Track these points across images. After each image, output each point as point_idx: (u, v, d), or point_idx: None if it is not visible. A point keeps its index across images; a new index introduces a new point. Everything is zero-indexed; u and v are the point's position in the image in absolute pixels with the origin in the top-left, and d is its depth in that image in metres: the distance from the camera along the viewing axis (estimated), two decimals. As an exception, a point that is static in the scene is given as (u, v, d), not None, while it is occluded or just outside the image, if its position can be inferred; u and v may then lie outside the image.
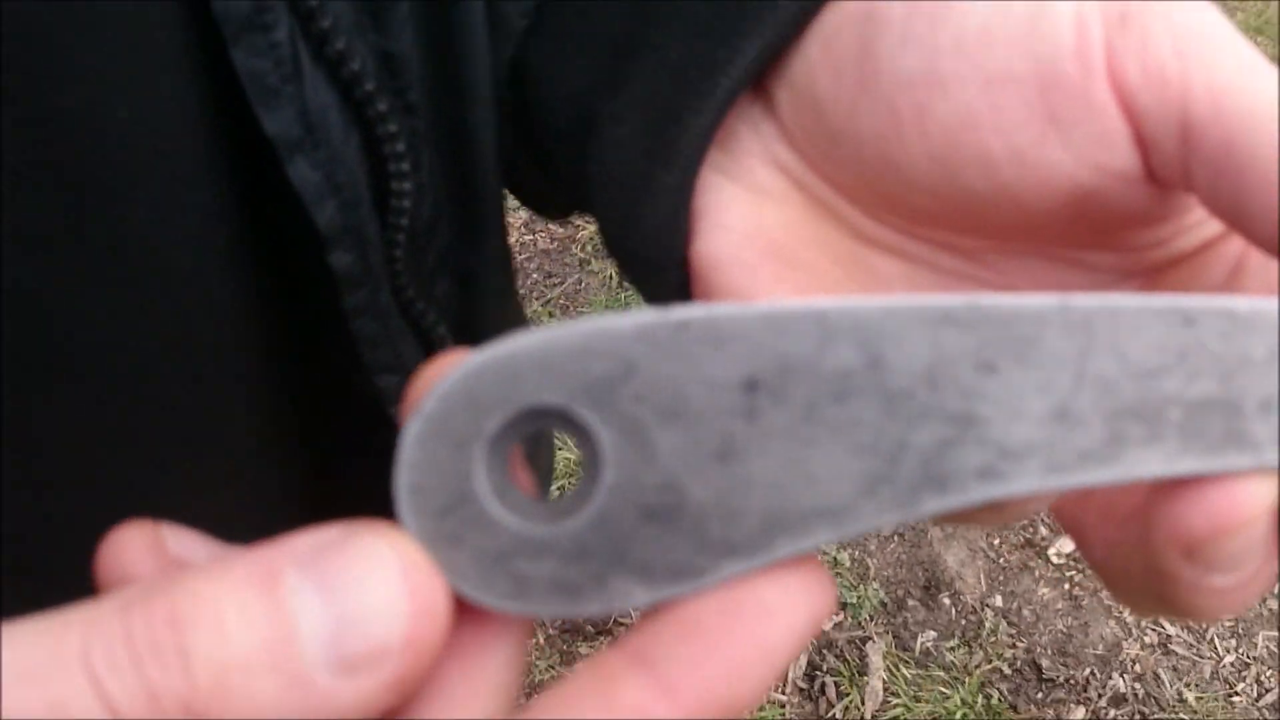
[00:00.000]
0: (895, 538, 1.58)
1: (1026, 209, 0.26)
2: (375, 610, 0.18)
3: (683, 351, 0.20)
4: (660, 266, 0.29)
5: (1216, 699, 1.40)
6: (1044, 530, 1.58)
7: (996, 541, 1.58)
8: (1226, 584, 0.22)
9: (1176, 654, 1.46)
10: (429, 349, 0.37)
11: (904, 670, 1.43)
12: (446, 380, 0.20)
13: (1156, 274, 0.28)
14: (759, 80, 0.29)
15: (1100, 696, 1.40)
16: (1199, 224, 0.27)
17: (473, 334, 0.40)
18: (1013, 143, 0.24)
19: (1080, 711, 1.39)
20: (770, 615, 0.19)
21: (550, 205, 0.44)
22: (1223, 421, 0.20)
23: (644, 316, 0.20)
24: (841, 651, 1.45)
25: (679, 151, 0.28)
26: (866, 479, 0.20)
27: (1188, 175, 0.23)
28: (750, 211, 0.29)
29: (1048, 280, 0.29)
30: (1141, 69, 0.23)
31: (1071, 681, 1.42)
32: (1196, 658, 1.45)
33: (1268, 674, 1.43)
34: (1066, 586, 1.52)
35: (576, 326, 0.20)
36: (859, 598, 1.50)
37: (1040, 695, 1.41)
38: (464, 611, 0.20)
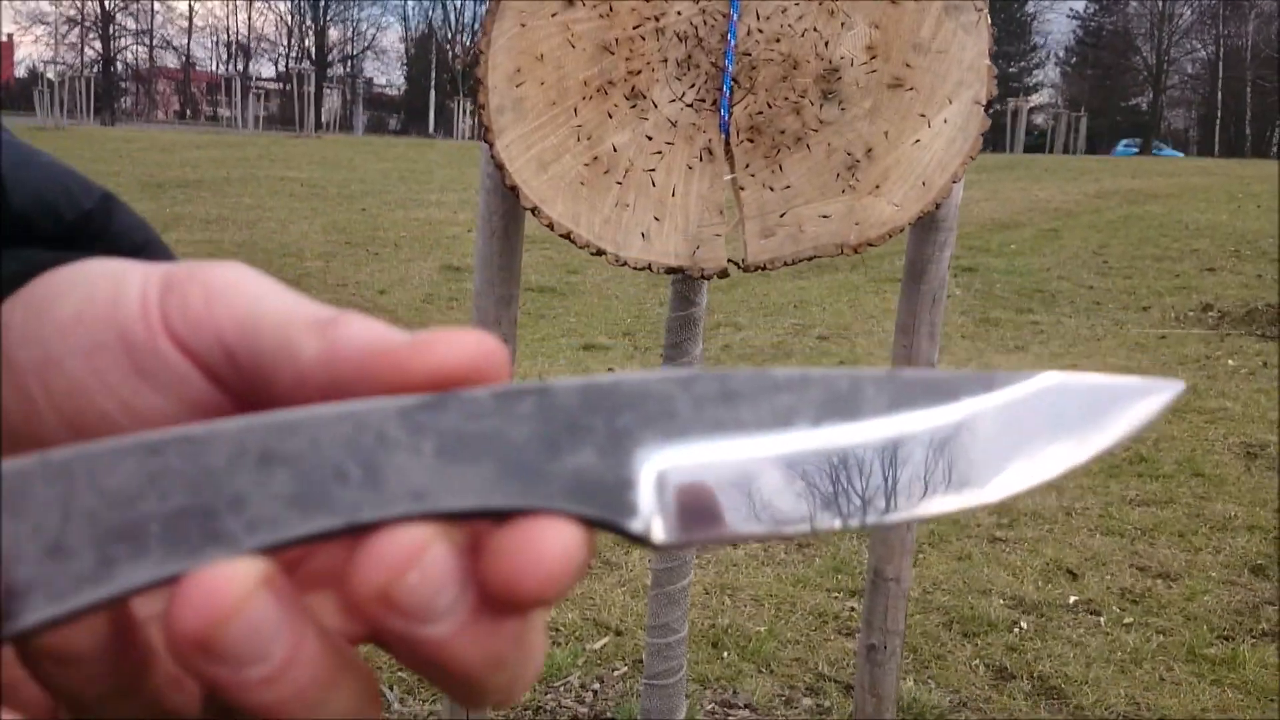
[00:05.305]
0: None
1: None
2: None
3: None
4: None
5: None
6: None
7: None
8: (262, 674, 0.24)
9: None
10: None
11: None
12: None
13: None
14: None
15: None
16: None
17: None
18: (120, 398, 0.29)
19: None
20: None
21: None
22: (199, 525, 0.24)
23: None
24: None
25: None
26: None
27: (248, 382, 0.29)
28: None
29: None
30: (183, 318, 0.29)
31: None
32: None
33: None
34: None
35: None
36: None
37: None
38: None
